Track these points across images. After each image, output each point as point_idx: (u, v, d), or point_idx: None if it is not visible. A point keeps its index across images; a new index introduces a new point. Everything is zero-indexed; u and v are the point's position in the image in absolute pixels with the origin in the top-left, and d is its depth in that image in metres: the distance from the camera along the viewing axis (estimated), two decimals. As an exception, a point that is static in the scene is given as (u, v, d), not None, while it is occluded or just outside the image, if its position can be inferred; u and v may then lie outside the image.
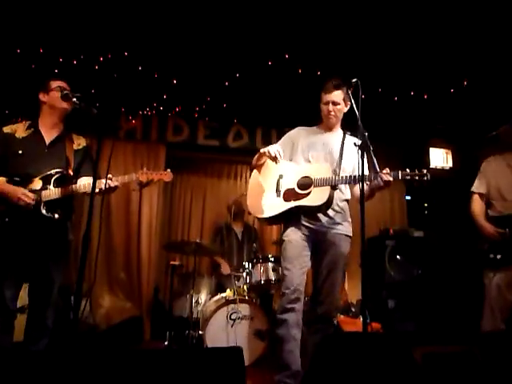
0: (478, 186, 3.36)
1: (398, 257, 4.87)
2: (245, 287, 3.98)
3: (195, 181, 5.95)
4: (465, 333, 3.65)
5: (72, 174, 2.63)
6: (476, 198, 3.35)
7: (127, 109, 5.06)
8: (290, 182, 2.68)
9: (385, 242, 4.91)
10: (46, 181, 2.54)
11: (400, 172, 2.42)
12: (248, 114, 5.25)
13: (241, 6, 3.50)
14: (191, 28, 3.77)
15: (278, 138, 5.35)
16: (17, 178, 2.51)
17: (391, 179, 2.42)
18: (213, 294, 4.23)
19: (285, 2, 3.47)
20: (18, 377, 1.54)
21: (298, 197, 2.62)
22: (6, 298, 2.45)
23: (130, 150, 5.23)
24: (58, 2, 3.44)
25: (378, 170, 2.15)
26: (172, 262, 4.39)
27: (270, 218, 2.72)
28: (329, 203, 2.60)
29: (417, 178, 2.41)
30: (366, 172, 2.48)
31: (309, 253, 2.70)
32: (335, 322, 2.97)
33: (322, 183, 2.57)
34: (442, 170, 5.66)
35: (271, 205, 2.71)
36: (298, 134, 2.89)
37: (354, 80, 2.28)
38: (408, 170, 2.43)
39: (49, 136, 2.64)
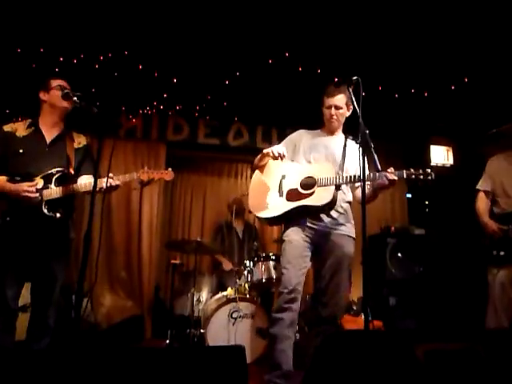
0: (483, 184, 3.40)
1: (399, 254, 4.87)
2: (246, 285, 3.99)
3: (196, 179, 5.95)
4: (467, 330, 3.65)
5: (73, 172, 2.63)
6: (481, 195, 3.39)
7: (127, 108, 5.05)
8: (293, 182, 2.67)
9: (386, 239, 4.90)
10: (47, 180, 2.53)
11: (405, 171, 2.43)
12: (248, 112, 5.24)
13: (241, 4, 3.50)
14: (191, 27, 3.77)
15: (279, 137, 5.47)
16: (18, 178, 2.50)
17: (396, 178, 2.42)
18: (214, 292, 4.24)
19: (285, 0, 3.46)
20: (19, 375, 1.54)
21: (302, 197, 2.60)
22: (8, 297, 2.45)
23: (130, 148, 5.22)
24: (58, 1, 3.43)
25: (380, 167, 2.14)
26: (173, 261, 4.39)
27: (272, 217, 2.70)
28: (332, 203, 2.58)
29: (421, 177, 2.42)
30: (368, 172, 2.48)
31: (309, 254, 2.68)
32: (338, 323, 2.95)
33: (325, 183, 2.55)
34: (443, 167, 5.66)
35: (274, 205, 2.69)
36: (300, 136, 2.89)
37: (354, 78, 2.27)
38: (412, 170, 2.43)
39: (49, 135, 2.64)
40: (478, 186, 3.41)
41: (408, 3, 3.45)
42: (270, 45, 3.98)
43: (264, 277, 3.90)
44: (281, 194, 2.68)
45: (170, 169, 2.64)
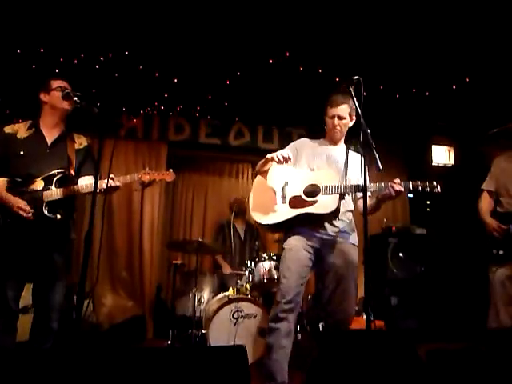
0: (487, 184, 3.43)
1: (400, 254, 4.86)
2: (247, 286, 3.98)
3: (197, 179, 5.95)
4: (469, 330, 3.65)
5: (74, 173, 2.63)
6: (485, 195, 3.41)
7: (128, 108, 5.06)
8: (296, 189, 2.63)
9: (387, 239, 4.90)
10: (47, 181, 2.53)
11: (411, 182, 2.43)
12: (249, 112, 5.25)
13: (241, 4, 3.49)
14: (192, 27, 3.77)
15: (280, 136, 5.47)
16: (18, 179, 2.50)
17: (402, 189, 2.42)
18: (215, 292, 4.24)
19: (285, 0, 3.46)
20: (21, 376, 1.54)
21: (305, 204, 2.57)
22: (9, 298, 2.44)
23: (131, 149, 5.22)
24: (58, 1, 3.43)
25: (381, 167, 2.12)
26: (174, 261, 4.39)
27: (274, 224, 2.64)
28: (337, 212, 2.55)
29: (427, 189, 2.41)
30: (374, 183, 2.47)
31: (310, 264, 2.63)
32: None
33: (329, 191, 2.52)
34: (444, 167, 5.66)
35: (276, 211, 2.64)
36: (302, 143, 2.86)
37: (355, 77, 2.26)
38: (419, 182, 2.44)
39: (50, 136, 2.63)
40: (482, 186, 3.44)
41: (409, 3, 3.45)
42: (270, 45, 3.97)
43: (265, 277, 3.89)
44: (284, 201, 2.63)
45: (171, 170, 2.63)
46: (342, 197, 2.55)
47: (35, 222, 2.46)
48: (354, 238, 2.71)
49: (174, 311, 4.20)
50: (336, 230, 2.64)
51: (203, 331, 3.74)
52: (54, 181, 2.53)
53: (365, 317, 2.09)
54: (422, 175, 5.62)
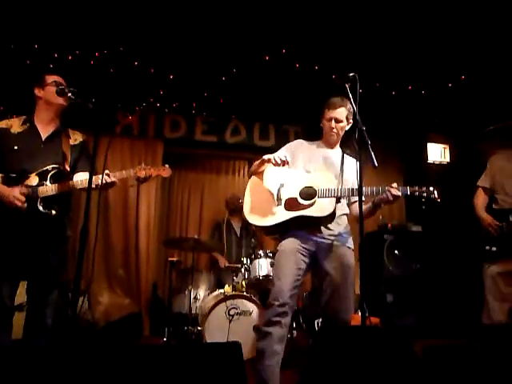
0: (482, 181, 3.46)
1: (396, 251, 4.88)
2: (243, 283, 3.98)
3: (193, 177, 5.94)
4: (464, 326, 3.67)
5: (69, 169, 2.61)
6: (480, 191, 3.45)
7: (124, 105, 5.04)
8: (292, 192, 2.59)
9: (383, 236, 4.92)
10: (42, 177, 2.51)
11: (409, 188, 2.43)
12: (245, 109, 5.24)
13: (237, 1, 3.48)
14: (187, 23, 3.75)
15: (276, 133, 5.46)
16: (13, 175, 2.48)
17: (400, 194, 2.41)
18: (211, 289, 4.24)
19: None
20: (17, 374, 1.53)
21: (301, 207, 2.53)
22: (4, 296, 2.42)
23: (126, 146, 5.21)
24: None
25: (376, 164, 2.11)
26: (170, 259, 4.39)
27: (270, 226, 2.60)
28: (333, 215, 2.52)
29: (425, 194, 2.41)
30: (371, 187, 2.46)
31: (304, 267, 2.58)
32: None
33: (326, 194, 2.50)
34: (440, 164, 5.68)
35: (272, 213, 2.59)
36: (299, 145, 2.83)
37: (351, 74, 2.25)
38: (416, 187, 2.44)
39: (45, 131, 2.61)
40: (477, 183, 3.47)
41: (405, 1, 3.45)
42: (266, 41, 3.97)
43: (261, 274, 3.89)
44: (279, 203, 2.59)
45: (167, 165, 2.61)
46: (338, 200, 2.53)
47: (30, 218, 2.45)
48: (349, 242, 2.68)
49: (170, 308, 4.21)
50: (331, 233, 2.61)
51: (199, 328, 3.74)
52: (49, 176, 2.51)
53: (360, 314, 2.10)
54: (418, 172, 5.66)
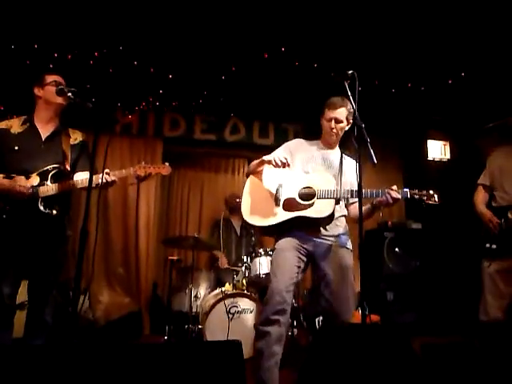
0: (482, 178, 3.47)
1: (396, 249, 4.89)
2: (243, 281, 3.99)
3: (192, 175, 5.94)
4: (464, 324, 3.67)
5: (69, 168, 2.62)
6: (480, 189, 3.46)
7: (123, 104, 5.03)
8: (291, 192, 2.58)
9: (383, 234, 4.92)
10: (43, 177, 2.52)
11: (409, 191, 2.44)
12: (245, 107, 5.24)
13: (236, -1, 3.48)
14: (186, 22, 3.75)
15: (276, 132, 5.46)
16: (13, 175, 2.48)
17: (400, 197, 2.41)
18: (212, 288, 4.24)
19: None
20: (17, 372, 1.54)
21: (300, 207, 2.52)
22: (5, 295, 2.44)
23: (126, 145, 5.21)
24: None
25: (376, 162, 2.11)
26: (170, 257, 4.39)
27: (268, 226, 2.58)
28: (332, 217, 2.52)
29: (425, 198, 2.42)
30: (371, 189, 2.46)
31: (302, 266, 2.58)
32: None
33: (325, 195, 2.49)
34: (440, 161, 5.68)
35: (270, 213, 2.58)
36: (297, 144, 2.81)
37: (350, 72, 2.25)
38: (416, 190, 2.45)
39: (45, 131, 2.62)
40: (478, 181, 3.47)
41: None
42: (265, 39, 3.96)
43: (261, 272, 3.89)
44: (277, 203, 2.57)
45: (167, 163, 2.60)
46: (337, 201, 2.52)
47: (31, 217, 2.46)
48: (347, 242, 2.67)
49: (170, 307, 4.21)
50: (330, 234, 2.61)
51: (199, 327, 3.75)
52: (50, 176, 2.52)
53: (360, 311, 2.11)
54: (418, 170, 5.65)
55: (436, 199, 2.42)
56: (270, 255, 3.93)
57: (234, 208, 4.77)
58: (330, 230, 2.61)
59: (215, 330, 3.61)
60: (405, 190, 2.46)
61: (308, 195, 2.54)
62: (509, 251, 3.12)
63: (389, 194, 2.41)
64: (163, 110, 5.19)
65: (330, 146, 2.77)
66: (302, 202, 2.53)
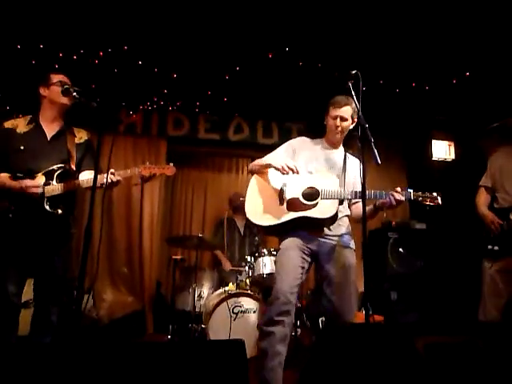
0: (484, 180, 3.47)
1: (400, 249, 4.88)
2: (247, 281, 4.00)
3: (196, 175, 5.95)
4: (467, 324, 3.66)
5: (74, 167, 2.63)
6: (482, 190, 3.46)
7: (127, 103, 5.05)
8: (295, 192, 2.59)
9: (387, 234, 4.91)
10: (48, 176, 2.53)
11: (412, 192, 2.44)
12: (249, 107, 5.24)
13: (240, -1, 3.48)
14: (191, 22, 3.75)
15: (279, 131, 5.46)
16: (20, 174, 2.50)
17: (403, 198, 2.41)
18: (215, 287, 4.25)
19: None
20: (22, 370, 1.55)
21: (303, 207, 2.53)
22: (10, 294, 2.45)
23: (130, 144, 5.22)
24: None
25: (379, 161, 2.10)
26: (174, 256, 4.40)
27: (272, 226, 2.59)
28: (335, 217, 2.52)
29: (428, 200, 2.43)
30: (374, 190, 2.46)
31: (306, 266, 2.59)
32: None
33: (329, 195, 2.49)
34: (444, 161, 5.66)
35: (274, 213, 2.59)
36: (300, 143, 2.80)
37: (354, 71, 2.24)
38: (420, 192, 2.45)
39: (50, 130, 2.63)
40: (480, 183, 3.46)
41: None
42: (270, 39, 3.96)
43: (265, 272, 3.90)
44: (281, 203, 2.58)
45: (171, 164, 2.61)
46: (340, 202, 2.53)
47: (36, 217, 2.47)
48: (350, 242, 2.68)
49: (173, 306, 4.22)
50: (333, 234, 2.61)
51: (203, 326, 3.76)
52: (55, 176, 2.53)
53: (364, 311, 2.11)
54: (421, 170, 5.63)
55: (439, 201, 2.41)
56: (274, 255, 3.94)
57: (238, 207, 4.77)
58: (333, 230, 2.62)
59: (218, 329, 3.62)
60: (408, 190, 2.45)
61: (311, 195, 2.55)
62: (510, 252, 3.11)
63: (392, 195, 2.41)
64: (167, 109, 5.20)
65: (334, 145, 2.77)
66: (306, 203, 2.54)
